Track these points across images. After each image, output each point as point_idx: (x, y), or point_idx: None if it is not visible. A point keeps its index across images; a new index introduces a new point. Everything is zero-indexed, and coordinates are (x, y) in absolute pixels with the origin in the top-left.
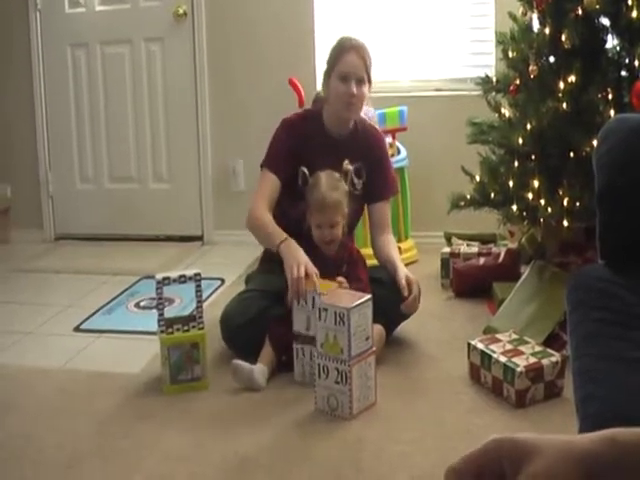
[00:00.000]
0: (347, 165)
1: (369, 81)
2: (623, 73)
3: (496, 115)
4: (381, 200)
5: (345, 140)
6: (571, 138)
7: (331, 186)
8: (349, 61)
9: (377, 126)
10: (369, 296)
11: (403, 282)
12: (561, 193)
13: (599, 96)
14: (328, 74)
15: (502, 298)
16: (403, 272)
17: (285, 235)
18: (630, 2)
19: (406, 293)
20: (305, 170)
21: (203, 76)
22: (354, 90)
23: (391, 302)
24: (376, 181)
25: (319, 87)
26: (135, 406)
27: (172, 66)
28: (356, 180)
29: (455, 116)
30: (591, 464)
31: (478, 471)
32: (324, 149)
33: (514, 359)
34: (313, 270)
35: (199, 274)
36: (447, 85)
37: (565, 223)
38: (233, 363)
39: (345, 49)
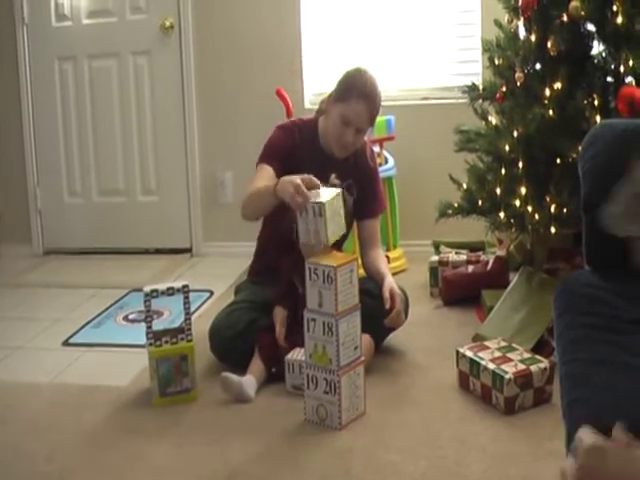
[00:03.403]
0: (334, 179)
1: (371, 125)
2: (609, 79)
3: (483, 123)
4: (371, 217)
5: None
6: (558, 145)
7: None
8: (356, 110)
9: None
10: (358, 305)
11: (387, 294)
12: (548, 200)
13: (585, 102)
14: (334, 100)
15: (491, 305)
16: (389, 285)
17: (276, 180)
18: (615, 8)
19: (388, 306)
20: None
21: (191, 88)
22: (351, 139)
23: (379, 313)
24: (367, 197)
25: (307, 98)
26: (124, 419)
27: (160, 79)
28: (348, 197)
29: (442, 124)
30: None
31: None
32: (314, 160)
33: (503, 366)
34: (309, 178)
35: (187, 286)
36: (434, 93)
37: (553, 229)
38: (222, 376)
39: (356, 95)
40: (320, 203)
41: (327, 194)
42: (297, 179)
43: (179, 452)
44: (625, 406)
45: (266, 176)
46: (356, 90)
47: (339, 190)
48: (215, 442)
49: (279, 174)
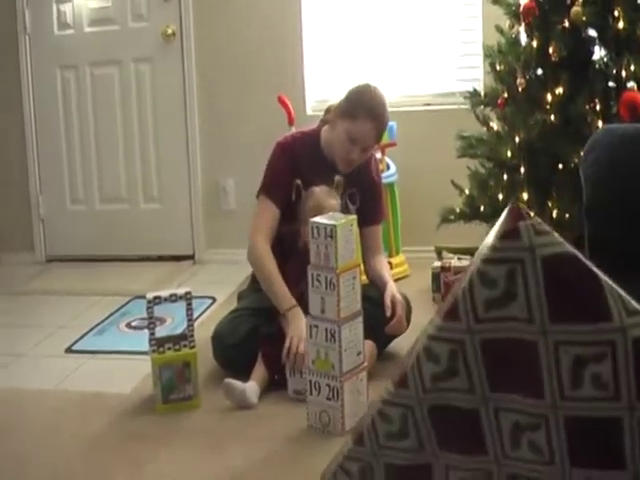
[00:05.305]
0: (338, 177)
1: (377, 143)
2: (610, 84)
3: (485, 129)
4: (374, 224)
5: None
6: (559, 150)
7: (327, 193)
8: (363, 129)
9: None
10: (360, 311)
11: (388, 302)
12: (550, 205)
13: (587, 107)
14: (341, 113)
15: None
16: (390, 291)
17: (293, 301)
18: (617, 13)
19: (389, 313)
20: (299, 182)
21: (192, 95)
22: (356, 156)
23: (382, 320)
24: (370, 205)
25: (309, 105)
26: (127, 426)
27: (161, 86)
28: (351, 206)
29: (444, 130)
30: None
31: None
32: (319, 171)
33: None
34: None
35: (190, 293)
36: (436, 99)
37: None
38: (225, 382)
39: (365, 114)
40: (332, 225)
41: (341, 218)
42: (301, 343)
43: (182, 458)
44: None
45: (269, 219)
46: (365, 109)
47: (354, 217)
48: (218, 448)
49: (282, 202)
